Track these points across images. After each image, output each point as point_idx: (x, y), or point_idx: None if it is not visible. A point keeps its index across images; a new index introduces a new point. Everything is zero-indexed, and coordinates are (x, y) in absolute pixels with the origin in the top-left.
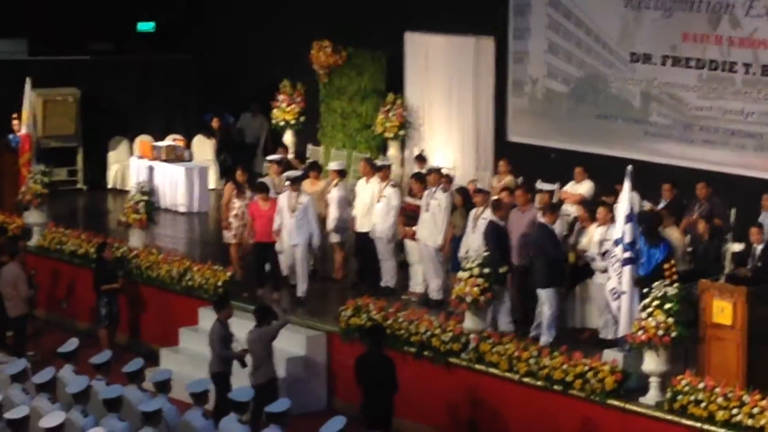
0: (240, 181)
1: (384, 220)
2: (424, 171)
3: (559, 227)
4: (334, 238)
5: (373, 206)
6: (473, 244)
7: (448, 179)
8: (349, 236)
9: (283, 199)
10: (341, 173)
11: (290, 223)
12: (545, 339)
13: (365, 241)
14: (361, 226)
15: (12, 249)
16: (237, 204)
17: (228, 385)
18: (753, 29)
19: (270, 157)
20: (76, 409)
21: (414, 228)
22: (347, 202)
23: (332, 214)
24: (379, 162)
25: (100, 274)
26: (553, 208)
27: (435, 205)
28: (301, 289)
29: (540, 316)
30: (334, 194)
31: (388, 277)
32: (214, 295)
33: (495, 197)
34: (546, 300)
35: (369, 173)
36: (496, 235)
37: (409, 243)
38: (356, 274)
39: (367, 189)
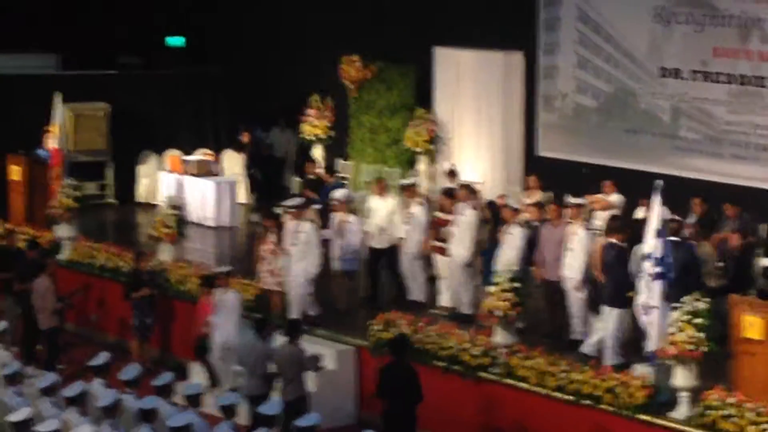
0: (267, 226)
1: (412, 237)
2: (454, 186)
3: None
4: (339, 266)
5: (391, 223)
6: (502, 257)
7: (477, 194)
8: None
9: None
10: (349, 202)
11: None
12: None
13: (378, 256)
14: (374, 242)
15: (42, 262)
16: (262, 248)
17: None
18: None
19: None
20: (106, 423)
21: (443, 243)
22: (360, 231)
23: (344, 242)
24: (404, 181)
25: (133, 282)
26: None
27: (462, 220)
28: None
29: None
30: (353, 223)
31: (417, 292)
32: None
33: (613, 216)
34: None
35: (382, 190)
36: (617, 259)
37: (437, 257)
38: (369, 289)
39: (381, 205)
